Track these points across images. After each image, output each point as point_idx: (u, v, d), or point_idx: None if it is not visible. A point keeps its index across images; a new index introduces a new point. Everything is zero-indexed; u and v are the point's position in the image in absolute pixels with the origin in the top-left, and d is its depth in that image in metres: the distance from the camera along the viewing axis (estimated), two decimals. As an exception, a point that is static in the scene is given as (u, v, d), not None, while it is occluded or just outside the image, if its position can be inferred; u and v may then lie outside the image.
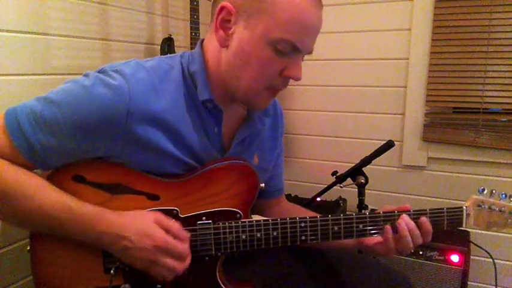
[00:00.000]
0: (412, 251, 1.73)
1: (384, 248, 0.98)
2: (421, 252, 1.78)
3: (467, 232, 1.91)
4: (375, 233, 0.97)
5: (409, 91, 2.03)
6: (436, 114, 2.01)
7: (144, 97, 0.83)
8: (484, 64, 1.86)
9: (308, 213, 1.04)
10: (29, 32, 1.28)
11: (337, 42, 2.14)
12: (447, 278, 1.75)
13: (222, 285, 0.95)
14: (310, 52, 0.90)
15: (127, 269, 0.89)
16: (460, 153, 1.97)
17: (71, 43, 1.44)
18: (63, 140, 0.81)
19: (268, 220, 0.94)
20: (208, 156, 0.95)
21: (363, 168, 1.46)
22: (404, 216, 0.95)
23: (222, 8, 0.85)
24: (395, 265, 1.80)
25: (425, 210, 0.97)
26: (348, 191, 1.68)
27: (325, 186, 1.63)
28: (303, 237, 0.94)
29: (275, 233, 0.94)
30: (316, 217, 0.95)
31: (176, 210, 0.91)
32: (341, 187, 1.52)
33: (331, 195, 1.93)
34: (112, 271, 0.88)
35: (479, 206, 0.98)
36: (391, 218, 0.96)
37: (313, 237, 0.95)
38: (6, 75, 1.22)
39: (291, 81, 0.91)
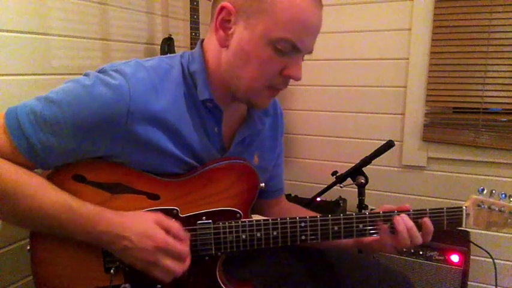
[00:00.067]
0: (412, 250, 1.77)
1: (379, 245, 0.98)
2: (421, 252, 1.78)
3: (467, 232, 1.91)
4: (374, 233, 0.97)
5: (409, 91, 2.03)
6: (436, 114, 2.01)
7: (144, 97, 0.83)
8: (484, 64, 1.86)
9: (308, 213, 1.04)
10: (29, 32, 1.28)
11: (337, 42, 2.14)
12: (447, 278, 1.75)
13: (222, 285, 0.95)
14: (310, 52, 0.90)
15: (127, 269, 0.89)
16: (460, 153, 1.97)
17: (71, 43, 1.44)
18: (63, 139, 0.81)
19: (268, 220, 0.94)
20: (209, 156, 0.95)
21: (363, 168, 1.46)
22: (402, 215, 0.96)
23: (222, 8, 0.85)
24: (395, 265, 1.80)
25: (425, 210, 0.97)
26: (348, 191, 1.68)
27: (325, 186, 1.63)
28: (303, 237, 0.94)
29: (275, 233, 0.94)
30: (316, 217, 0.95)
31: (176, 209, 0.91)
32: (341, 187, 1.52)
33: (331, 195, 1.93)
34: (112, 271, 0.88)
35: (479, 206, 0.98)
36: (390, 217, 0.96)
37: (313, 237, 0.95)
38: (6, 75, 1.22)
39: (291, 81, 0.92)
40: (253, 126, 1.02)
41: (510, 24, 1.81)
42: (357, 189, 1.47)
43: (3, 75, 1.21)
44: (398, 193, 2.13)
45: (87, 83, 0.82)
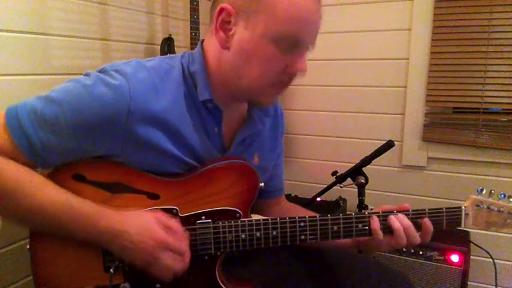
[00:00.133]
0: (412, 250, 1.77)
1: (376, 244, 0.97)
2: (421, 252, 1.78)
3: (467, 232, 1.91)
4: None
5: (409, 91, 2.03)
6: (436, 114, 2.01)
7: (144, 97, 0.83)
8: (484, 64, 1.86)
9: (308, 213, 1.04)
10: (29, 32, 1.29)
11: (337, 42, 2.14)
12: (447, 278, 1.75)
13: (222, 285, 0.95)
14: (313, 44, 0.90)
15: (127, 268, 0.89)
16: (460, 153, 1.97)
17: (71, 43, 1.44)
18: (63, 138, 0.81)
19: (267, 220, 0.94)
20: (209, 156, 0.95)
21: (363, 168, 1.46)
22: (398, 214, 0.96)
23: (222, 10, 0.86)
24: (396, 265, 1.80)
25: (424, 210, 0.97)
26: (348, 191, 1.68)
27: (325, 186, 1.63)
28: (303, 237, 0.94)
29: (274, 233, 0.94)
30: (316, 217, 0.95)
31: (176, 209, 0.91)
32: (341, 187, 1.52)
33: (331, 195, 1.93)
34: (112, 270, 0.88)
35: (478, 206, 0.98)
36: (388, 217, 0.96)
37: (312, 237, 0.95)
38: (6, 75, 1.22)
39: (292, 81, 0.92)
40: (253, 126, 1.02)
41: (510, 24, 1.81)
42: (357, 189, 1.47)
43: (3, 75, 1.21)
44: (398, 193, 2.13)
45: (88, 83, 0.82)
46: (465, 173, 1.98)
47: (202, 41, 0.96)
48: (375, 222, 0.95)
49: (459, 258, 1.73)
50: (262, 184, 1.00)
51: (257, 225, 0.93)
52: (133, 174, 0.89)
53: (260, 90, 0.90)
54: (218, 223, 0.93)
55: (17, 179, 0.81)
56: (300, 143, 2.31)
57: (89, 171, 0.88)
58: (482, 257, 1.89)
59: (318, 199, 1.78)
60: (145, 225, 0.84)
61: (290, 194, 2.18)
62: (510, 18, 1.80)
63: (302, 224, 0.94)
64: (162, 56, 0.95)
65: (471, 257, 1.77)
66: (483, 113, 1.90)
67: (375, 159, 1.46)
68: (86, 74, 0.86)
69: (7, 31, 1.22)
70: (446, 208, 0.97)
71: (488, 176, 1.93)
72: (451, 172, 2.01)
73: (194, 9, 1.76)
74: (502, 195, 0.98)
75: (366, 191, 1.47)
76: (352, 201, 1.60)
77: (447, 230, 0.98)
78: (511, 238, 1.92)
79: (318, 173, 2.27)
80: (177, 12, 2.03)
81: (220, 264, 0.96)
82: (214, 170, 0.94)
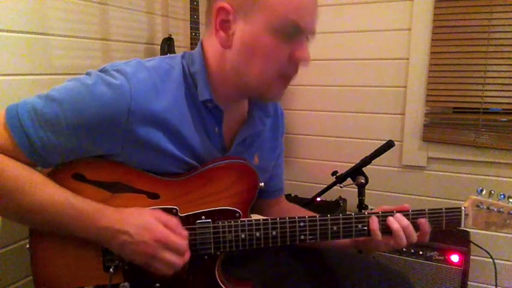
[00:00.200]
0: (412, 250, 1.76)
1: (375, 244, 0.97)
2: (421, 252, 1.78)
3: (467, 232, 1.91)
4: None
5: (409, 91, 2.03)
6: (436, 114, 2.01)
7: (145, 96, 0.83)
8: (484, 64, 1.86)
9: (307, 214, 1.04)
10: (29, 32, 1.29)
11: (337, 42, 2.14)
12: (447, 278, 1.75)
13: (221, 284, 0.95)
14: (313, 33, 0.90)
15: (126, 268, 0.90)
16: (460, 153, 1.97)
17: (71, 43, 1.44)
18: (63, 138, 0.81)
19: (267, 219, 0.94)
20: (209, 156, 0.95)
21: (363, 168, 1.46)
22: (396, 214, 0.96)
23: (220, 10, 0.86)
24: (396, 265, 1.80)
25: (424, 210, 0.97)
26: (348, 191, 1.68)
27: (325, 186, 1.63)
28: (302, 237, 0.95)
29: (274, 233, 0.94)
30: (315, 217, 0.95)
31: (176, 209, 0.91)
32: (341, 187, 1.52)
33: (331, 195, 1.93)
34: (111, 269, 0.88)
35: (477, 206, 0.98)
36: (387, 217, 0.96)
37: (311, 237, 0.95)
38: (6, 75, 1.22)
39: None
40: (254, 126, 1.02)
41: (510, 24, 1.80)
42: (357, 189, 1.47)
43: (3, 75, 1.21)
44: (398, 193, 2.13)
45: (89, 82, 0.82)
46: (465, 173, 1.98)
47: (202, 41, 0.96)
48: (374, 223, 0.95)
49: (459, 258, 1.72)
50: (262, 184, 1.00)
51: (257, 225, 0.93)
52: (133, 174, 0.89)
53: (268, 83, 0.89)
54: (218, 223, 0.93)
55: (17, 178, 0.81)
56: (300, 143, 2.32)
57: (89, 170, 0.88)
58: (482, 257, 1.89)
59: (318, 199, 1.78)
60: (145, 223, 0.84)
61: (290, 194, 2.18)
62: (510, 18, 1.80)
63: (302, 224, 0.94)
64: (162, 56, 0.95)
65: (471, 257, 1.77)
66: (483, 113, 1.90)
67: (375, 159, 1.46)
68: (87, 74, 0.86)
69: (7, 31, 1.22)
70: (446, 208, 0.97)
71: (488, 176, 1.93)
72: (451, 172, 2.01)
73: (194, 9, 1.76)
74: (502, 196, 0.98)
75: (366, 191, 1.47)
76: (352, 201, 1.60)
77: (447, 230, 0.98)
78: (511, 238, 1.92)
79: (318, 173, 2.27)
80: (177, 12, 2.03)
81: (219, 264, 0.96)
82: (214, 169, 0.94)
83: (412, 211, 0.97)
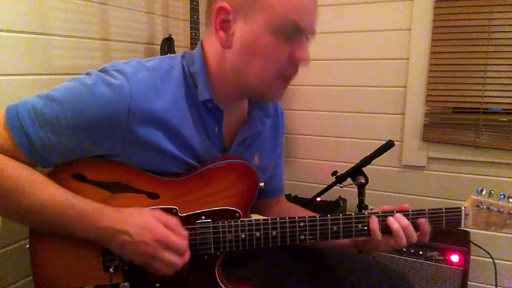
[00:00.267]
0: (412, 250, 1.76)
1: (375, 244, 0.97)
2: (421, 252, 1.78)
3: (467, 232, 1.91)
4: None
5: (409, 91, 2.03)
6: (436, 114, 2.01)
7: (145, 96, 0.83)
8: (484, 64, 1.86)
9: (307, 214, 1.04)
10: (29, 32, 1.29)
11: (337, 42, 2.14)
12: (447, 278, 1.75)
13: (221, 284, 0.95)
14: (313, 33, 0.90)
15: (126, 268, 0.90)
16: (460, 153, 1.97)
17: (71, 43, 1.44)
18: (63, 138, 0.81)
19: (267, 219, 0.94)
20: (209, 156, 0.95)
21: (363, 168, 1.46)
22: (396, 214, 0.96)
23: (220, 10, 0.86)
24: (396, 265, 1.80)
25: (424, 210, 0.97)
26: (348, 191, 1.68)
27: (325, 186, 1.63)
28: (302, 237, 0.95)
29: (274, 233, 0.94)
30: (315, 217, 0.95)
31: (176, 209, 0.91)
32: (341, 187, 1.52)
33: (331, 195, 1.93)
34: (111, 269, 0.88)
35: (477, 206, 0.98)
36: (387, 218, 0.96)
37: (311, 237, 0.95)
38: (6, 75, 1.22)
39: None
40: (254, 126, 1.02)
41: (510, 24, 1.80)
42: (357, 189, 1.47)
43: (3, 75, 1.21)
44: (398, 193, 2.13)
45: (89, 82, 0.82)
46: (465, 173, 1.98)
47: (202, 41, 0.96)
48: (374, 223, 0.95)
49: (459, 258, 1.72)
50: (262, 184, 1.00)
51: (257, 225, 0.93)
52: (133, 174, 0.89)
53: (268, 83, 0.89)
54: (218, 223, 0.93)
55: (17, 178, 0.81)
56: (300, 143, 2.32)
57: (89, 170, 0.88)
58: (482, 257, 1.89)
59: (318, 199, 1.78)
60: (145, 223, 0.84)
61: (290, 194, 2.18)
62: (510, 18, 1.80)
63: (302, 224, 0.94)
64: (162, 56, 0.95)
65: (471, 257, 1.77)
66: (483, 113, 1.90)
67: (375, 159, 1.46)
68: (87, 74, 0.86)
69: (7, 31, 1.22)
70: (446, 208, 0.97)
71: (488, 176, 1.93)
72: (451, 172, 2.01)
73: (194, 9, 1.76)
74: (502, 196, 0.98)
75: (366, 191, 1.47)
76: (352, 201, 1.60)
77: (447, 230, 0.98)
78: (511, 238, 1.92)
79: (318, 173, 2.27)
80: (177, 12, 2.03)
81: (219, 264, 0.96)
82: (214, 169, 0.94)
83: (412, 211, 0.97)
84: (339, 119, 2.21)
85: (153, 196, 0.90)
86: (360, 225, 0.96)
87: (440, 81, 1.95)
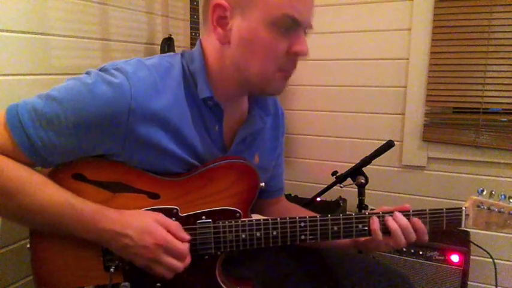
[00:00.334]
0: (412, 250, 1.76)
1: (375, 244, 0.97)
2: (421, 252, 1.78)
3: (467, 232, 1.91)
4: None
5: (409, 91, 2.03)
6: (436, 114, 2.01)
7: (145, 95, 0.83)
8: (484, 64, 1.86)
9: (307, 214, 1.04)
10: (29, 32, 1.29)
11: (337, 42, 2.14)
12: (447, 278, 1.75)
13: (222, 284, 0.95)
14: (310, 26, 0.90)
15: (127, 268, 0.90)
16: (460, 153, 1.96)
17: (71, 43, 1.44)
18: (64, 137, 0.81)
19: (268, 219, 0.94)
20: (210, 155, 0.95)
21: (363, 168, 1.46)
22: (395, 214, 0.96)
23: (216, 6, 0.86)
24: (396, 265, 1.80)
25: (425, 210, 0.97)
26: (348, 191, 1.68)
27: (325, 186, 1.63)
28: (303, 237, 0.94)
29: (275, 233, 0.94)
30: (316, 217, 0.95)
31: (176, 209, 0.91)
32: (341, 187, 1.52)
33: (331, 195, 1.93)
34: (112, 269, 0.88)
35: (478, 206, 0.98)
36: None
37: (312, 237, 0.95)
38: (6, 75, 1.22)
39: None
40: (254, 125, 1.02)
41: (510, 24, 1.80)
42: (357, 189, 1.47)
43: (3, 75, 1.21)
44: (399, 193, 2.13)
45: (89, 81, 0.82)
46: (465, 173, 1.98)
47: (201, 40, 0.97)
48: (375, 223, 0.95)
49: (459, 258, 1.72)
50: (263, 184, 1.00)
51: (257, 225, 0.93)
52: (133, 174, 0.89)
53: (268, 77, 0.89)
54: (218, 223, 0.93)
55: (17, 178, 0.81)
56: (300, 143, 2.31)
57: (89, 170, 0.88)
58: (482, 257, 1.89)
59: (318, 199, 1.78)
60: (146, 226, 0.84)
61: (290, 194, 2.18)
62: (510, 18, 1.80)
63: (302, 224, 0.94)
64: (162, 54, 0.96)
65: (471, 257, 1.77)
66: (483, 113, 1.90)
67: (375, 159, 1.46)
68: (87, 73, 0.86)
69: (7, 31, 1.22)
70: (446, 209, 0.97)
71: (488, 176, 1.93)
72: (451, 172, 2.01)
73: (194, 9, 1.76)
74: (503, 196, 0.98)
75: (366, 191, 1.47)
76: (352, 201, 1.60)
77: (447, 230, 0.98)
78: (511, 238, 1.92)
79: (318, 173, 2.27)
80: (177, 12, 2.03)
81: (220, 264, 0.96)
82: (214, 169, 0.94)
83: (413, 211, 0.97)
84: (339, 119, 2.21)
85: (154, 196, 0.90)
86: (360, 225, 0.96)
87: (440, 81, 1.95)
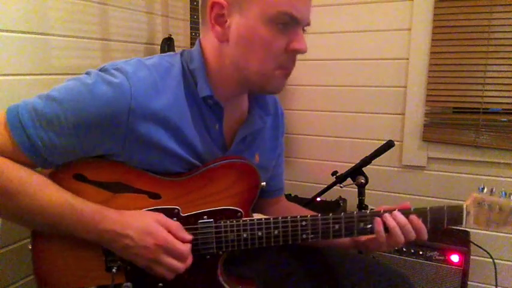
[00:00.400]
0: (412, 250, 1.76)
1: (375, 244, 0.97)
2: (421, 252, 1.78)
3: (467, 232, 1.91)
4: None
5: (409, 91, 2.03)
6: (436, 114, 2.01)
7: (145, 95, 0.83)
8: (484, 64, 1.86)
9: (307, 213, 1.04)
10: (29, 32, 1.28)
11: (337, 42, 2.14)
12: (447, 278, 1.75)
13: (223, 283, 0.95)
14: (308, 23, 0.90)
15: (128, 268, 0.89)
16: (460, 153, 1.97)
17: (71, 43, 1.44)
18: (64, 137, 0.81)
19: (269, 219, 0.94)
20: (210, 154, 0.95)
21: (363, 168, 1.46)
22: (394, 212, 0.95)
23: (214, 4, 0.86)
24: (396, 265, 1.80)
25: (426, 208, 0.97)
26: (348, 191, 1.68)
27: (325, 186, 1.63)
28: (304, 236, 0.94)
29: (276, 232, 0.94)
30: (317, 216, 0.95)
31: (177, 209, 0.91)
32: (341, 187, 1.52)
33: (331, 195, 1.93)
34: (114, 270, 0.88)
35: (479, 204, 0.98)
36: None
37: (313, 236, 0.95)
38: (6, 75, 1.22)
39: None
40: (253, 124, 1.02)
41: (510, 24, 1.81)
42: (357, 189, 1.47)
43: (3, 75, 1.21)
44: (399, 193, 2.13)
45: (89, 82, 0.82)
46: (465, 173, 1.98)
47: (200, 39, 0.96)
48: (379, 224, 0.95)
49: (459, 258, 1.72)
50: (264, 183, 1.00)
51: (259, 224, 0.93)
52: (134, 174, 0.89)
53: (268, 75, 0.89)
54: (220, 222, 0.92)
55: (17, 179, 0.81)
56: (300, 143, 2.31)
57: (89, 170, 0.88)
58: (482, 257, 1.89)
59: (318, 199, 1.78)
60: (146, 226, 0.84)
61: (290, 194, 2.18)
62: (510, 18, 1.80)
63: (304, 223, 0.94)
64: (162, 54, 0.96)
65: (471, 257, 1.77)
66: (483, 113, 1.90)
67: (375, 159, 1.46)
68: (87, 73, 0.86)
69: (7, 31, 1.21)
70: (447, 206, 0.97)
71: (488, 176, 1.93)
72: (451, 172, 2.01)
73: (194, 9, 1.76)
74: (503, 194, 0.98)
75: (366, 191, 1.47)
76: (352, 201, 1.60)
77: (448, 228, 0.97)
78: (511, 238, 1.92)
79: (318, 173, 2.27)
80: (177, 12, 2.03)
81: (222, 263, 0.96)
82: (215, 169, 0.94)
83: (414, 209, 0.96)
84: (339, 119, 2.21)
85: (154, 196, 0.90)
86: (361, 224, 0.95)
87: (440, 81, 1.95)
